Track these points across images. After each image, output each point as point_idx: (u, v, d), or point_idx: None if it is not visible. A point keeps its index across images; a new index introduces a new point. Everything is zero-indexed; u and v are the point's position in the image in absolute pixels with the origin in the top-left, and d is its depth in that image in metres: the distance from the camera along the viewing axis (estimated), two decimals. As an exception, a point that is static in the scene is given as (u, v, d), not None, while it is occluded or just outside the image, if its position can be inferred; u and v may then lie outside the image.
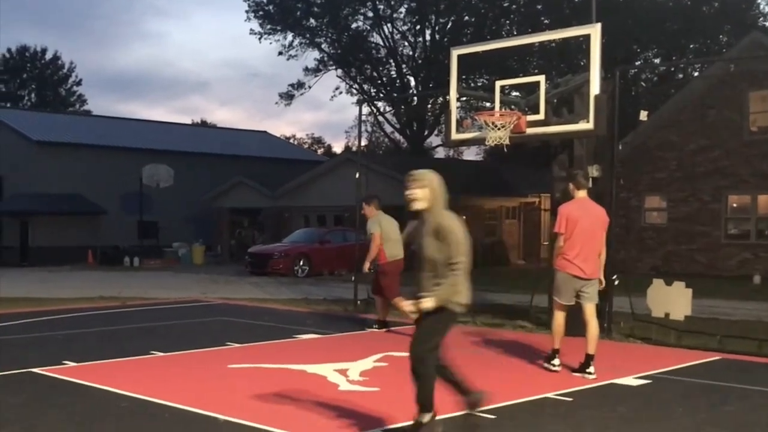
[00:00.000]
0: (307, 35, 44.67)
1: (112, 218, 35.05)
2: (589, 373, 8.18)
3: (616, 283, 11.19)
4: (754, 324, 12.25)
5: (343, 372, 8.15)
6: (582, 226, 8.39)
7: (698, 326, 10.80)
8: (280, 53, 45.30)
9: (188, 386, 7.59)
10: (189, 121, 63.74)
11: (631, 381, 8.03)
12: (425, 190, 5.50)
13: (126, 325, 12.32)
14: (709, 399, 7.30)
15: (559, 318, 8.61)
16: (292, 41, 44.72)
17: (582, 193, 8.68)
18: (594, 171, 11.52)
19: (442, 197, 5.58)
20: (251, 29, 46.01)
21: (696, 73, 32.57)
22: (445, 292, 5.30)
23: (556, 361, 8.52)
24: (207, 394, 7.23)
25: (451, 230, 5.33)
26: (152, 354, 9.33)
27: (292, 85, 46.84)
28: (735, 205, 24.82)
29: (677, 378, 8.33)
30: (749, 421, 6.44)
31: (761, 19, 39.74)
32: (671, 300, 10.75)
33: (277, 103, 51.14)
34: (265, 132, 50.92)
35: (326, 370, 8.28)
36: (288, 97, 47.01)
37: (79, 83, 66.06)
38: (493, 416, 6.44)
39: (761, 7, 40.53)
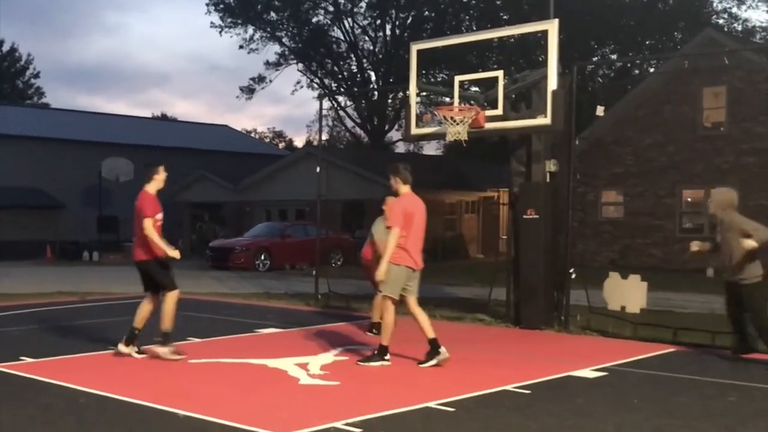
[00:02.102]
0: (268, 29, 44.47)
1: (72, 213, 34.57)
2: (440, 356, 8.29)
3: (573, 276, 11.37)
4: (707, 316, 12.49)
5: (303, 366, 8.18)
6: (415, 220, 8.39)
7: (653, 319, 11.00)
8: (241, 47, 45.07)
9: (148, 382, 7.56)
10: (149, 115, 62.98)
11: (588, 373, 8.16)
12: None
13: (84, 320, 12.21)
14: (664, 390, 7.46)
15: (393, 313, 8.42)
16: (253, 35, 44.51)
17: (406, 188, 8.54)
18: (551, 166, 11.68)
19: None
20: (212, 22, 45.54)
21: (652, 70, 33.06)
22: None
23: (388, 356, 8.40)
24: (167, 389, 7.22)
25: None
26: (111, 350, 9.26)
27: (253, 79, 46.63)
28: (689, 199, 25.27)
29: (633, 370, 8.49)
30: (703, 412, 6.59)
31: (714, 16, 40.45)
32: (627, 293, 10.94)
33: (238, 96, 50.83)
34: (227, 126, 50.60)
35: (287, 364, 8.30)
36: (249, 90, 46.80)
37: (37, 76, 65.02)
38: (452, 409, 6.51)
39: (714, 4, 41.15)
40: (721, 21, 40.60)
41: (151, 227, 8.49)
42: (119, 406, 6.51)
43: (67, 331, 11.04)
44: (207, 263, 26.54)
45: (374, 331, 10.35)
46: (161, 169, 8.87)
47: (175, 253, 8.58)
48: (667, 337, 10.23)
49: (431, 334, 8.39)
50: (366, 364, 8.35)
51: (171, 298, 8.61)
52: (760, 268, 8.92)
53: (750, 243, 8.70)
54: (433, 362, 8.33)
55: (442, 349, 8.36)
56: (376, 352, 8.45)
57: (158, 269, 8.65)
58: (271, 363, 8.42)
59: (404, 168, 8.47)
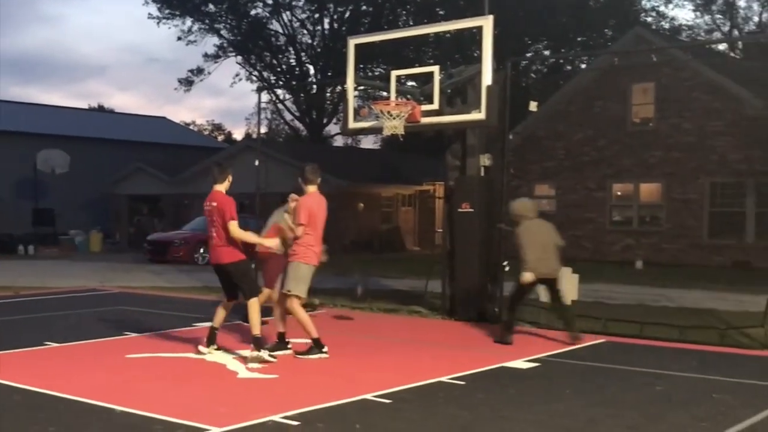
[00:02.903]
0: (206, 21, 43.94)
1: (6, 205, 33.66)
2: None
3: (507, 269, 11.60)
4: (636, 307, 12.90)
5: (242, 360, 8.22)
6: (319, 219, 8.60)
7: (584, 310, 11.29)
8: (179, 39, 44.45)
9: (84, 377, 7.51)
10: (86, 106, 61.63)
11: (521, 364, 8.38)
12: None
13: (19, 315, 12.00)
14: (594, 380, 7.71)
15: (303, 310, 8.64)
16: (191, 27, 43.94)
17: (312, 188, 8.67)
18: (486, 160, 11.89)
19: None
20: (149, 13, 44.79)
21: (583, 66, 33.72)
22: None
23: (325, 348, 8.58)
24: (103, 385, 7.18)
25: None
26: (47, 345, 9.15)
27: (191, 71, 46.03)
28: (619, 193, 25.91)
29: (565, 360, 8.74)
30: (631, 400, 6.84)
31: (643, 14, 41.42)
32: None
33: (176, 88, 50.08)
34: (164, 118, 49.86)
35: (225, 358, 8.34)
36: (187, 83, 46.20)
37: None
38: (388, 401, 6.64)
39: (643, 3, 42.12)
40: (649, 19, 41.63)
41: (239, 229, 8.17)
42: (56, 403, 6.46)
43: (1, 326, 10.85)
44: (145, 257, 26.22)
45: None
46: (230, 170, 8.61)
47: (271, 242, 9.06)
48: (598, 328, 10.52)
49: (315, 334, 8.58)
50: (305, 357, 8.45)
51: (255, 306, 8.25)
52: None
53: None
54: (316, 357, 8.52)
55: (326, 349, 8.58)
56: (312, 346, 8.54)
57: (245, 272, 8.37)
58: (210, 357, 8.44)
59: (311, 170, 8.65)
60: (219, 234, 8.15)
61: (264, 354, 8.03)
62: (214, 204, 8.16)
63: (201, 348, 8.49)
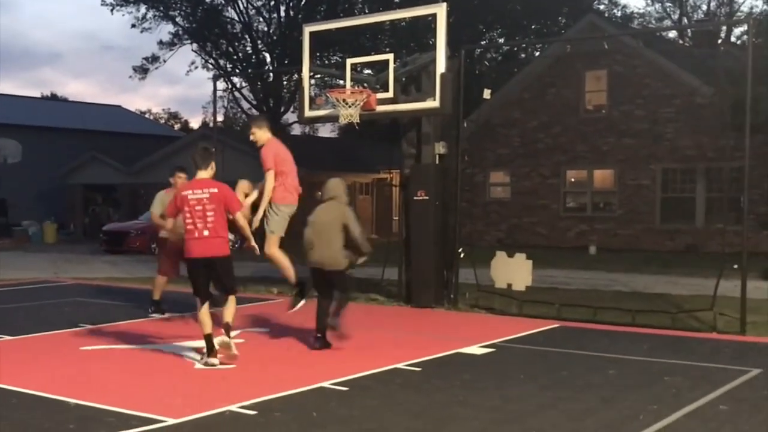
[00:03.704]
0: (161, 8, 43.31)
1: (-44, 196, 33.05)
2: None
3: (462, 255, 11.72)
4: (590, 292, 13.11)
5: (199, 350, 8.18)
6: (288, 160, 8.90)
7: (539, 296, 11.45)
8: (134, 26, 43.75)
9: (38, 370, 7.41)
10: (39, 95, 60.47)
11: (476, 350, 8.48)
12: None
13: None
14: (548, 365, 7.83)
15: (282, 254, 8.81)
16: (146, 14, 43.28)
17: (270, 134, 8.92)
18: (440, 148, 11.96)
19: None
20: (103, 0, 44.02)
21: (537, 54, 33.97)
22: None
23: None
24: (58, 377, 7.11)
25: None
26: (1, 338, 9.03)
27: (146, 59, 45.37)
28: (573, 179, 26.23)
29: (519, 346, 8.86)
30: (585, 384, 6.96)
31: (596, 2, 41.80)
32: (513, 271, 11.36)
33: (131, 76, 49.20)
34: (119, 106, 49.18)
35: (182, 349, 8.30)
36: (142, 70, 45.49)
37: None
38: (345, 388, 6.68)
39: (597, -10, 42.50)
40: (602, 6, 42.03)
41: (244, 219, 7.84)
42: (8, 397, 6.38)
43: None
44: (100, 247, 25.92)
45: (152, 309, 10.86)
46: (214, 155, 8.15)
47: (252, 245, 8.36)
48: (552, 314, 10.67)
49: (294, 279, 8.80)
50: (295, 308, 8.67)
51: (234, 301, 7.84)
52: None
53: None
54: (302, 303, 8.67)
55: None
56: (295, 294, 8.70)
57: (231, 266, 7.80)
58: (167, 348, 8.39)
59: (264, 117, 8.64)
60: (215, 225, 7.41)
61: (226, 340, 7.55)
62: (213, 191, 7.41)
63: (211, 360, 7.51)
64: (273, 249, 8.77)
